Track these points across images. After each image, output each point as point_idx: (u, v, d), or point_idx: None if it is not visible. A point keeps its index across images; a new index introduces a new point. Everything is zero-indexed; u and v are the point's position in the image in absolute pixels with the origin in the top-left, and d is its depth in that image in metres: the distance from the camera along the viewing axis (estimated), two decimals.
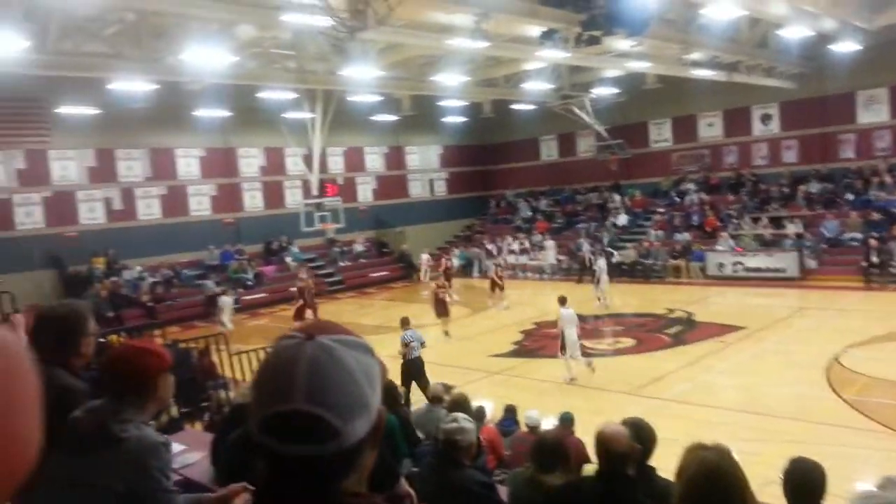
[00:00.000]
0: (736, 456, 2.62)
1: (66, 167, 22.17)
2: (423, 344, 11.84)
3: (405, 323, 12.29)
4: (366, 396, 1.00)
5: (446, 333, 17.00)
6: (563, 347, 12.37)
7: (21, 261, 20.11)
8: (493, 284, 21.07)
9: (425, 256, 26.29)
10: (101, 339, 10.85)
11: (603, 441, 3.49)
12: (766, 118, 26.04)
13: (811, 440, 8.38)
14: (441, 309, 17.41)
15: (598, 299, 20.01)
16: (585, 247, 25.57)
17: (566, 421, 7.43)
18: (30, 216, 21.39)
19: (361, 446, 1.00)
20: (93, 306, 19.20)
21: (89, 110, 20.62)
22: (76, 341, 2.69)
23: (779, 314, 17.19)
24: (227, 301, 18.79)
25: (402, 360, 11.50)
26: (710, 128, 27.49)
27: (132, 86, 17.90)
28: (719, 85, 22.26)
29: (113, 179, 23.18)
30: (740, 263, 22.29)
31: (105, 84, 17.82)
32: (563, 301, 12.72)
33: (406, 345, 11.62)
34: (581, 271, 24.27)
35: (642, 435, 3.84)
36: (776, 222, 23.56)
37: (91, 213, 22.72)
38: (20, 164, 21.14)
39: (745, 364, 13.10)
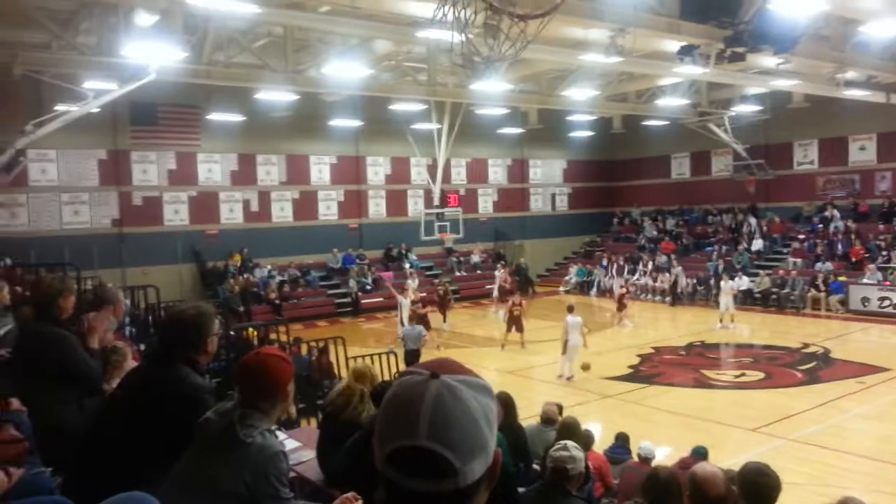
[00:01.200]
0: None
1: (212, 169, 23.81)
2: (423, 338, 14.42)
3: (410, 320, 16.31)
4: (485, 438, 1.02)
5: (503, 347, 17.49)
6: (565, 349, 14.01)
7: (166, 254, 21.94)
8: (620, 304, 20.61)
9: (499, 273, 25.21)
10: (232, 333, 11.56)
11: (697, 483, 3.29)
12: None
13: None
14: (516, 325, 17.48)
15: (721, 321, 19.49)
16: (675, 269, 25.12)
17: (700, 455, 6.94)
18: (177, 213, 23.14)
19: (478, 485, 1.02)
20: (226, 301, 20.52)
21: (235, 117, 22.07)
22: (203, 341, 2.92)
23: None
24: (405, 303, 18.83)
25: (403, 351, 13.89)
26: (862, 151, 25.42)
27: (276, 95, 19.06)
28: (875, 106, 20.63)
29: (252, 183, 24.65)
30: (888, 299, 20.45)
31: (252, 93, 19.07)
32: (570, 309, 14.49)
33: (402, 339, 14.74)
34: (674, 295, 24.33)
35: (765, 482, 3.58)
36: None
37: (231, 213, 24.26)
38: (171, 165, 22.93)
39: (886, 409, 11.98)
